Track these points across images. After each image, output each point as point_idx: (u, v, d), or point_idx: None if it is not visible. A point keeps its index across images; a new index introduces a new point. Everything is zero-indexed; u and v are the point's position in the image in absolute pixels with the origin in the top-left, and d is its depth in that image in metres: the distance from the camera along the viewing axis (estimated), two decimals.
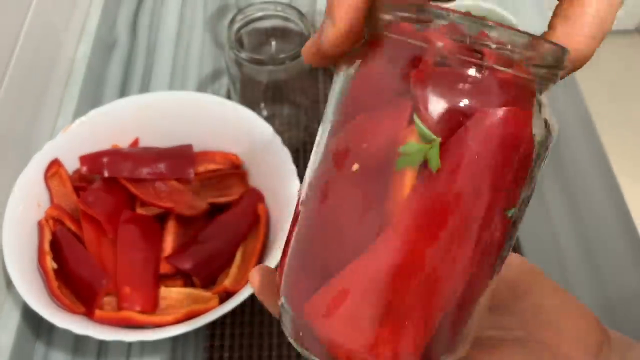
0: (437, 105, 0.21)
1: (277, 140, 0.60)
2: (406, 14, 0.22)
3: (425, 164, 0.21)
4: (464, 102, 0.21)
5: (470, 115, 0.21)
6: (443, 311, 0.23)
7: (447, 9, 0.21)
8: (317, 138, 0.26)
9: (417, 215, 0.21)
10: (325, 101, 0.73)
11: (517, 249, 0.63)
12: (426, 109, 0.20)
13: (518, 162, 0.22)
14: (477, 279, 0.23)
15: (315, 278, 0.24)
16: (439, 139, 0.21)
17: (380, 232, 0.22)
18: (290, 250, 0.26)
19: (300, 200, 0.26)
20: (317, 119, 0.74)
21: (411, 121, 0.21)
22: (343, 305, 0.23)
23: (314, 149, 0.26)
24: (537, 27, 0.84)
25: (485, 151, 0.21)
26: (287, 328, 0.26)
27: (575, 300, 0.29)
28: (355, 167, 0.22)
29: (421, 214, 0.21)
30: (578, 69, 0.24)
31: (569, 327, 0.28)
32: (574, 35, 0.23)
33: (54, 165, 0.59)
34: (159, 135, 0.64)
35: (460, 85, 0.21)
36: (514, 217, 0.24)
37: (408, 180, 0.21)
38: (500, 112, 0.21)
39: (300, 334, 0.25)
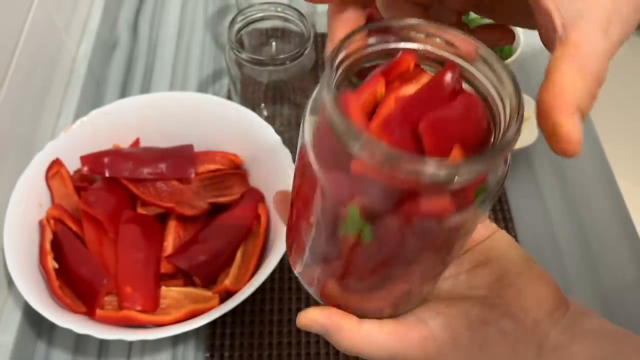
0: (371, 199, 0.24)
1: (277, 140, 0.60)
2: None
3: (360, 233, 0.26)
4: (393, 198, 0.24)
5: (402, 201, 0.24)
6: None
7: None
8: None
9: (357, 265, 0.29)
10: None
11: None
12: (364, 200, 0.25)
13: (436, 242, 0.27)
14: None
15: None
16: (368, 226, 0.25)
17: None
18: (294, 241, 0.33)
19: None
20: None
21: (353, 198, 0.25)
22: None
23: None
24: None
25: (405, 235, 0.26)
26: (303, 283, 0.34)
27: (540, 270, 0.33)
28: (313, 219, 0.28)
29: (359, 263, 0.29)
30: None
31: (529, 290, 0.32)
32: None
33: (55, 165, 0.59)
34: (159, 135, 0.64)
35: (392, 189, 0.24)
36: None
37: (348, 241, 0.27)
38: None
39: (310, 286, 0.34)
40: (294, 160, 0.59)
